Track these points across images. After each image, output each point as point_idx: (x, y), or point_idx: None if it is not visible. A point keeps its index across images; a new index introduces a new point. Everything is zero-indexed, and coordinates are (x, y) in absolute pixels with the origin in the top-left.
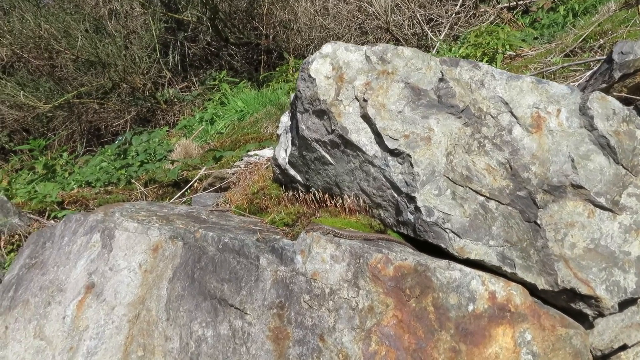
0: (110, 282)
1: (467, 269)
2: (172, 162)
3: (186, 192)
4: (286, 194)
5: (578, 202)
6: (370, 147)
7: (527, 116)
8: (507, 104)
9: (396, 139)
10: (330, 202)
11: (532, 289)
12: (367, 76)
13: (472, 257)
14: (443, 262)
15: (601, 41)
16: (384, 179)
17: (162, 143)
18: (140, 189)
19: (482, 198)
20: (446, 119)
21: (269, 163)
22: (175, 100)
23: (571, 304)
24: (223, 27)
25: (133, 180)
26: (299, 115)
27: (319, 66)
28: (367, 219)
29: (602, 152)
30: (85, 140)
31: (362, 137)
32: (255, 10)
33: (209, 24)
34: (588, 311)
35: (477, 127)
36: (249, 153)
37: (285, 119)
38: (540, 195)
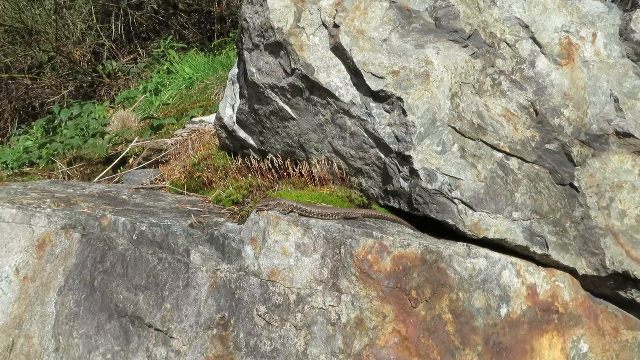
0: None
1: (495, 255)
2: (103, 135)
3: (120, 169)
4: (235, 163)
5: (625, 155)
6: (346, 91)
7: (554, 43)
8: (527, 27)
9: (381, 77)
10: (294, 171)
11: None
12: None
13: (491, 235)
14: (461, 247)
15: None
16: (365, 135)
17: (97, 117)
18: (62, 168)
19: (500, 154)
20: (448, 49)
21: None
22: (120, 73)
23: (619, 292)
24: None
25: (55, 159)
26: (246, 54)
27: None
28: (343, 191)
29: None
30: (17, 119)
31: (334, 77)
32: None
33: None
34: None
35: (489, 58)
36: (193, 120)
37: (234, 70)
38: (577, 148)
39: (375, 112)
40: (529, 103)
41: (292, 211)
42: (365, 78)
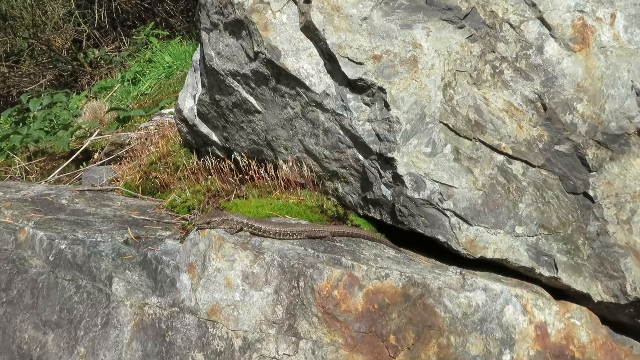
0: None
1: (496, 287)
2: (66, 126)
3: (83, 165)
4: (196, 162)
5: None
6: (318, 80)
7: (566, 25)
8: (534, 5)
9: (360, 63)
10: (258, 173)
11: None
12: None
13: (490, 255)
14: (454, 276)
15: None
16: (341, 132)
17: (70, 107)
18: (20, 163)
19: (501, 157)
20: (440, 30)
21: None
22: (102, 62)
23: (639, 320)
24: None
25: (14, 153)
26: (204, 35)
27: None
28: (315, 198)
29: None
30: None
31: (304, 63)
32: None
33: None
34: None
35: (489, 42)
36: (163, 111)
37: (196, 55)
38: (592, 150)
39: (353, 105)
40: (536, 96)
41: (241, 229)
42: (341, 64)
